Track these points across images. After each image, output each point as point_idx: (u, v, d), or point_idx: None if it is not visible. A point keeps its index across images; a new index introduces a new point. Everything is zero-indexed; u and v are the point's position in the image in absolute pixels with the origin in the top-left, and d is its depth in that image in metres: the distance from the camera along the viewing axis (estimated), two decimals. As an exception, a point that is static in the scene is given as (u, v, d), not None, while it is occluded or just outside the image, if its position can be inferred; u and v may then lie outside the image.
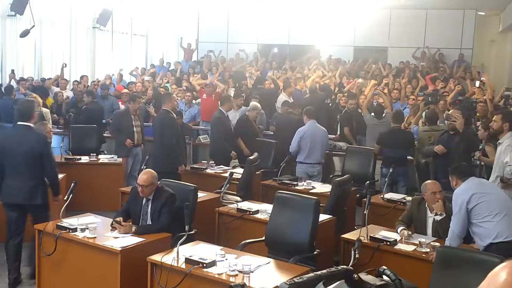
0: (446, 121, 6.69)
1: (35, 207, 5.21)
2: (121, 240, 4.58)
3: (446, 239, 4.56)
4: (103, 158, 8.22)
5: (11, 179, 5.18)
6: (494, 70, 17.52)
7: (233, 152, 8.10)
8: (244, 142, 8.29)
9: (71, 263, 4.79)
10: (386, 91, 10.95)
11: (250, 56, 16.91)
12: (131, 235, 4.70)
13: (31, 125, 5.31)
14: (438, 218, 4.94)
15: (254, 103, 8.70)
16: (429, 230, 5.06)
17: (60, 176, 6.81)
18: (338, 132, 9.34)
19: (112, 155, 8.28)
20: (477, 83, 11.53)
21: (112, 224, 4.89)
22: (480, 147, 6.87)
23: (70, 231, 4.73)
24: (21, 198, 5.19)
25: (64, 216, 4.99)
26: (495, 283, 1.15)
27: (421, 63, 15.35)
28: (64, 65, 12.46)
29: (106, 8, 14.19)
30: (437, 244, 4.55)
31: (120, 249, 4.40)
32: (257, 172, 7.31)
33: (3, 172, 5.22)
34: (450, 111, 7.21)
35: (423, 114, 8.83)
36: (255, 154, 7.17)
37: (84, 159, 8.11)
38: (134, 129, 8.43)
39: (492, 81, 12.24)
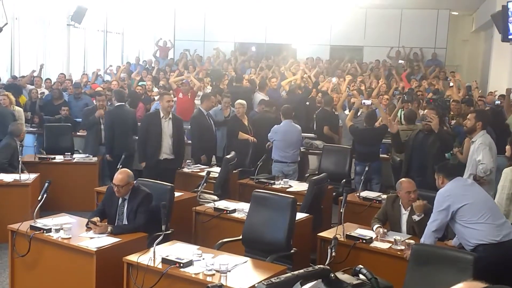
0: (422, 122, 6.76)
1: (128, 156, 7.42)
2: (97, 241, 4.54)
3: (422, 236, 4.59)
4: (78, 157, 8.12)
5: (119, 138, 8.08)
6: (467, 70, 17.82)
7: (203, 156, 8.06)
8: (237, 143, 8.22)
9: (46, 264, 4.72)
10: (363, 87, 11.06)
11: (227, 54, 16.89)
12: (107, 235, 4.66)
13: (124, 104, 8.45)
14: (416, 218, 4.96)
15: (238, 100, 8.65)
16: (404, 227, 5.11)
17: (34, 175, 6.77)
18: (314, 130, 9.37)
19: (87, 154, 8.21)
20: (451, 83, 11.72)
21: (87, 224, 4.84)
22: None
23: (44, 231, 4.67)
24: (124, 149, 7.56)
25: (38, 216, 4.92)
26: None
27: (400, 61, 15.54)
28: (41, 66, 12.38)
29: (81, 5, 14.01)
30: (412, 241, 4.60)
31: (95, 249, 4.36)
32: (234, 171, 7.30)
33: (114, 134, 8.07)
34: (425, 111, 7.29)
35: (400, 112, 8.94)
36: (232, 153, 7.16)
37: (59, 158, 8.00)
38: (102, 126, 8.40)
39: (465, 80, 12.46)
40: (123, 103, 8.41)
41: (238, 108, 8.46)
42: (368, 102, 8.91)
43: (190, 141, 8.55)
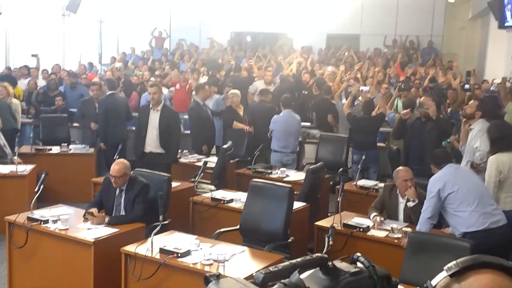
0: (419, 109, 6.76)
1: (123, 146, 7.47)
2: (94, 231, 4.54)
3: (417, 224, 4.62)
4: (75, 148, 8.11)
5: (113, 126, 8.05)
6: (464, 57, 17.78)
7: (204, 146, 8.04)
8: (232, 133, 8.19)
9: (43, 255, 4.73)
10: (359, 75, 11.03)
11: (224, 44, 16.81)
12: (104, 226, 4.66)
13: (115, 92, 8.45)
14: (411, 204, 4.99)
15: (232, 90, 8.62)
16: (401, 216, 5.13)
17: (31, 167, 6.76)
18: (315, 120, 9.31)
19: (84, 145, 8.20)
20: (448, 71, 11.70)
21: (84, 215, 4.84)
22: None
23: (42, 222, 4.67)
24: (118, 137, 7.83)
25: (35, 207, 4.92)
26: None
27: (385, 50, 15.52)
28: (36, 56, 12.37)
29: (76, -5, 13.91)
30: (409, 229, 4.62)
31: (93, 240, 4.37)
32: (231, 161, 7.30)
33: (108, 123, 8.03)
34: (422, 98, 7.28)
35: (397, 101, 8.93)
36: (229, 143, 7.15)
37: (55, 149, 7.98)
38: None
39: (461, 68, 12.45)
40: (114, 92, 8.42)
41: (232, 98, 8.43)
42: (365, 88, 8.86)
43: (188, 132, 8.55)
